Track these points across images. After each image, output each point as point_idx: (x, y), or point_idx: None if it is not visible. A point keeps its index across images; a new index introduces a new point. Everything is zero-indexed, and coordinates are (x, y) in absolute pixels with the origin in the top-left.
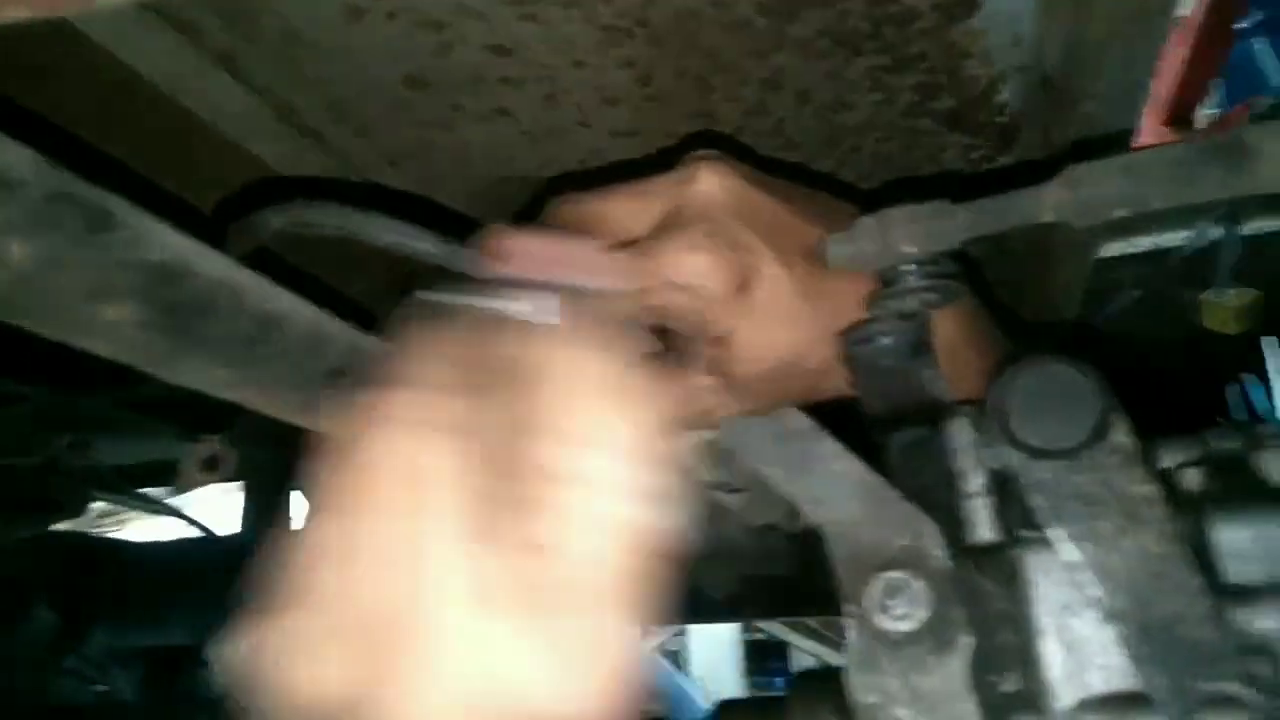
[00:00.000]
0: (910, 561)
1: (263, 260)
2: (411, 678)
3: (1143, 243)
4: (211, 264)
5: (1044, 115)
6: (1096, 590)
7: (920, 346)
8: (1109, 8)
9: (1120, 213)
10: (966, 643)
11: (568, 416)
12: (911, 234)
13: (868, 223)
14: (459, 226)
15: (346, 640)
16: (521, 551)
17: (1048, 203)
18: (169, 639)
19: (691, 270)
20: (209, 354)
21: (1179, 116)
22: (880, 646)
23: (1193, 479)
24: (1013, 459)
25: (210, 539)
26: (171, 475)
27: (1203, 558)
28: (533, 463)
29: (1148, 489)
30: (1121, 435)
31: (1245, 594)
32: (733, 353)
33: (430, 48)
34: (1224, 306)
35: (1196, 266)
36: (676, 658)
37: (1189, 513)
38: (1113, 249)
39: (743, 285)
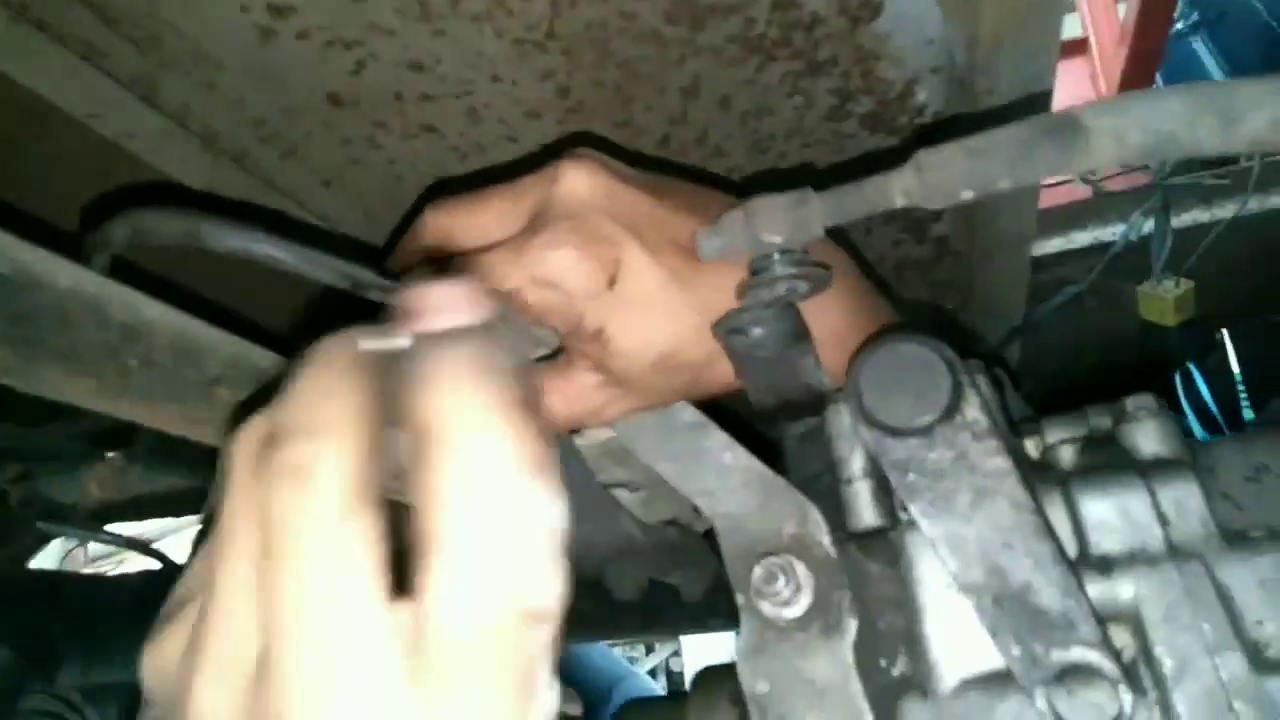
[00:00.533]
0: (796, 549)
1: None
2: None
3: (1081, 239)
4: (62, 274)
5: (963, 114)
6: (952, 564)
7: (795, 336)
8: (997, 7)
9: (967, 194)
10: (852, 626)
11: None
12: (774, 223)
13: (734, 215)
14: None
15: (217, 680)
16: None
17: (898, 188)
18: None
19: (556, 265)
20: (68, 365)
21: None
22: (769, 634)
23: (1066, 455)
24: (872, 440)
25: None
26: (143, 507)
27: (1077, 531)
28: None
29: (1000, 462)
30: (973, 411)
31: (1108, 564)
32: (610, 348)
33: (346, 66)
34: (1160, 298)
35: (1134, 260)
36: (680, 678)
37: (1060, 487)
38: (1052, 246)
39: (611, 279)
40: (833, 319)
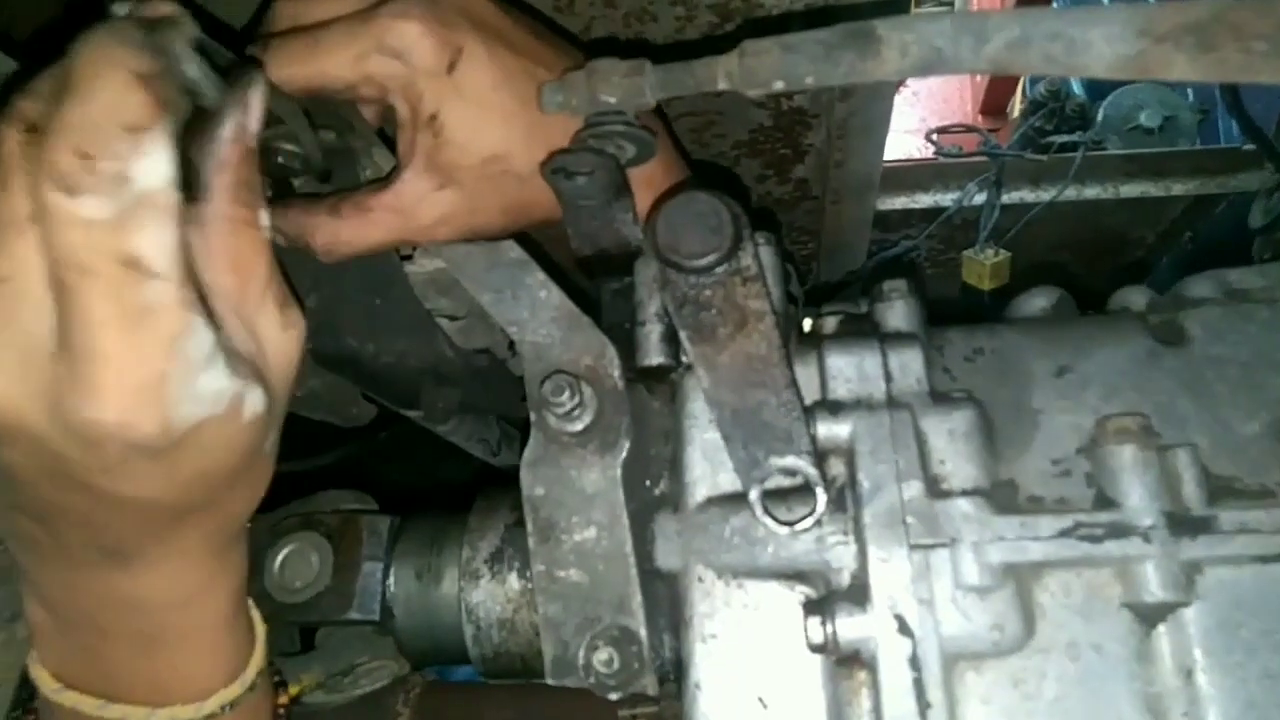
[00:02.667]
0: (589, 376)
1: None
2: None
3: (923, 200)
4: None
5: None
6: (705, 382)
7: (617, 192)
8: None
9: (779, 85)
10: (625, 447)
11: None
12: (611, 86)
13: (576, 74)
14: None
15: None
16: None
17: (722, 70)
18: None
19: (402, 35)
20: None
21: (994, 106)
22: (552, 446)
23: (830, 324)
24: (661, 275)
25: None
26: None
27: (821, 380)
28: None
29: (759, 305)
30: (747, 259)
31: (838, 407)
32: (443, 136)
33: None
34: (980, 264)
35: (967, 228)
36: None
37: (816, 346)
38: (897, 203)
39: (452, 64)
40: (654, 188)
